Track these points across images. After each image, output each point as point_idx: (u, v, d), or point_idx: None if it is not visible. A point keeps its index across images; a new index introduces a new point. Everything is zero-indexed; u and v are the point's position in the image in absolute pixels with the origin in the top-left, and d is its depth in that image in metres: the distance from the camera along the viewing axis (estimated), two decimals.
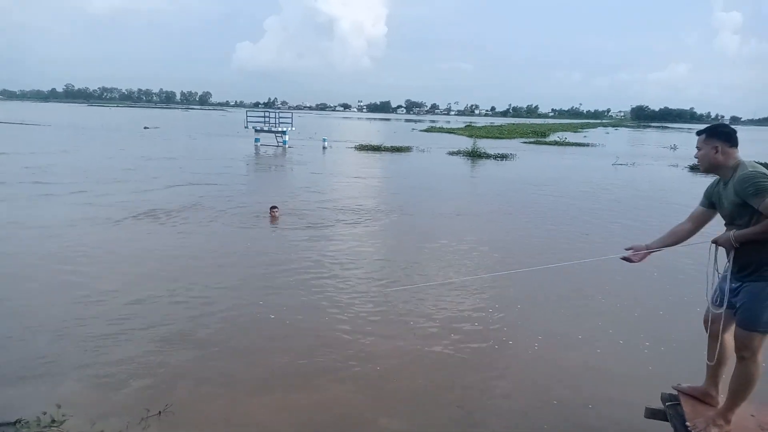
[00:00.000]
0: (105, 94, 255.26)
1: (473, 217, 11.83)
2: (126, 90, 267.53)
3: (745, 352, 3.00)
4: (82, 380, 4.36)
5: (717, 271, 3.21)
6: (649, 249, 3.32)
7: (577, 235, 10.23)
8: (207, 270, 7.28)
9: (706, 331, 3.34)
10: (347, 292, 6.60)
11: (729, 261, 3.06)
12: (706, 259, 3.18)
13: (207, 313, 5.76)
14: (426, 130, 59.54)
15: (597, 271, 7.53)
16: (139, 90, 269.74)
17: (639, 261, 3.36)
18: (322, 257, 8.02)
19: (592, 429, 3.97)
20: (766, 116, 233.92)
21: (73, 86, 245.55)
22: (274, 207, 10.65)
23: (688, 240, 3.34)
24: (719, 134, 3.11)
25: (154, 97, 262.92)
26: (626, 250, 3.40)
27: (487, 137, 44.74)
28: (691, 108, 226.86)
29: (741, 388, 3.05)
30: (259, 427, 3.85)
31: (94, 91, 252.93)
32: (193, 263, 7.59)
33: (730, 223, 3.10)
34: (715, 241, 3.12)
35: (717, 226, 3.25)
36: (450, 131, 56.64)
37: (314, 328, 5.51)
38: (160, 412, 3.86)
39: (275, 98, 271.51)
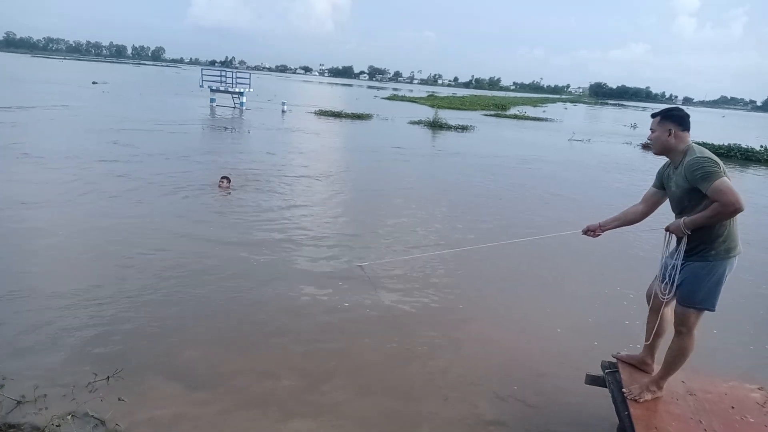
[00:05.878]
0: (51, 45, 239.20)
1: (431, 190, 11.90)
2: (74, 42, 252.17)
3: (683, 328, 3.19)
4: (27, 345, 4.22)
5: (670, 256, 3.32)
6: (602, 227, 3.57)
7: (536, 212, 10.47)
8: (152, 237, 7.12)
9: (648, 305, 3.51)
10: (309, 268, 6.56)
11: (681, 246, 3.17)
12: (656, 245, 3.35)
13: (154, 283, 5.67)
14: (388, 98, 58.96)
15: (553, 250, 7.75)
16: (88, 42, 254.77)
17: (596, 236, 3.63)
18: (277, 231, 7.93)
19: (537, 394, 4.15)
20: (715, 99, 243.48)
21: (14, 35, 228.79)
22: (224, 177, 9.91)
23: (639, 224, 3.52)
24: (673, 117, 3.16)
25: (104, 51, 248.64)
26: (582, 232, 3.66)
27: (449, 108, 44.79)
28: (647, 87, 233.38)
29: (675, 360, 3.24)
30: (202, 388, 3.85)
31: (38, 41, 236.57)
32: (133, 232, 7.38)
33: (677, 207, 3.20)
34: (668, 228, 3.24)
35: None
36: (412, 100, 56.28)
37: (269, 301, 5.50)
38: (108, 378, 3.78)
39: (233, 57, 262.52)
